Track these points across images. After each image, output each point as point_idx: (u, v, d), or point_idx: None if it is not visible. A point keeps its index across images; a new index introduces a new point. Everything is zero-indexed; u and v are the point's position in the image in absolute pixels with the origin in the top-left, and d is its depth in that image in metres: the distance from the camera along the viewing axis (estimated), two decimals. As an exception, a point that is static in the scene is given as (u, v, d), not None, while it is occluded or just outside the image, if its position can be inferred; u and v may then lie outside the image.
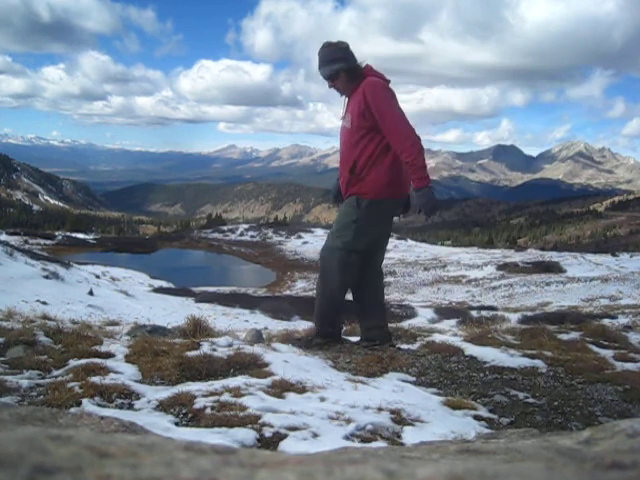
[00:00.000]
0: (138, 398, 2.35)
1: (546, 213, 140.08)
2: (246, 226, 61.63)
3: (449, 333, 5.17)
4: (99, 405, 2.21)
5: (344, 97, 3.42)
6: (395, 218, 3.72)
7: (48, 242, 38.40)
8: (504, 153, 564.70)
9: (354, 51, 3.42)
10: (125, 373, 2.64)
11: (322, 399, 2.46)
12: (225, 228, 59.84)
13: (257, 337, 4.16)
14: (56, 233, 46.38)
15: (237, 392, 2.38)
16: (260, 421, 2.06)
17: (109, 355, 2.96)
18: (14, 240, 32.10)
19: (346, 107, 3.38)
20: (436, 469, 0.50)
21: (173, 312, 12.55)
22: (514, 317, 13.06)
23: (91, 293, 14.20)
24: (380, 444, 1.97)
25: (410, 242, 51.23)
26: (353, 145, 3.24)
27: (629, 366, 3.52)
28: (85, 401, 2.20)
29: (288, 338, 4.25)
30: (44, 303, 10.72)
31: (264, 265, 41.19)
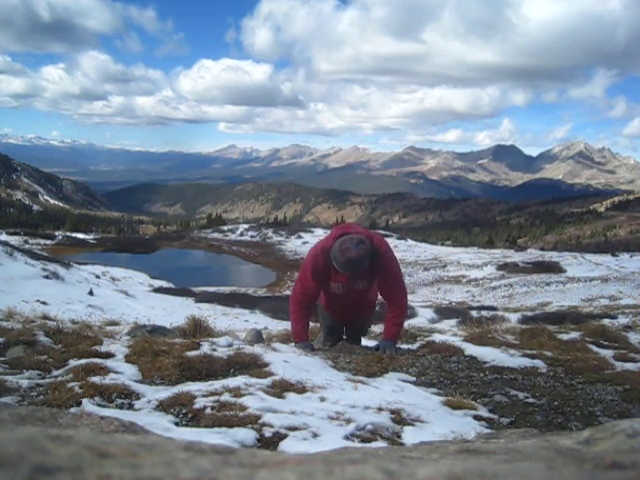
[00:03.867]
0: (138, 398, 2.35)
1: (546, 213, 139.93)
2: (246, 226, 61.61)
3: (449, 333, 5.17)
4: (99, 405, 2.21)
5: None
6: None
7: (48, 242, 38.41)
8: (504, 153, 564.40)
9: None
10: (125, 373, 2.64)
11: (322, 399, 2.46)
12: (225, 228, 59.84)
13: (257, 337, 4.16)
14: (56, 233, 46.39)
15: (237, 392, 2.38)
16: (260, 421, 2.06)
17: (109, 355, 2.96)
18: (14, 240, 32.11)
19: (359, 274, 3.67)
20: (436, 469, 0.50)
21: (173, 312, 12.56)
22: (514, 317, 13.07)
23: (91, 293, 14.20)
24: (380, 444, 1.97)
25: (410, 242, 51.22)
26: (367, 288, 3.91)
27: (629, 366, 3.52)
28: (85, 401, 2.20)
29: (288, 338, 4.25)
30: (44, 303, 10.72)
31: (264, 265, 41.18)
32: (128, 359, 2.91)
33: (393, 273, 3.74)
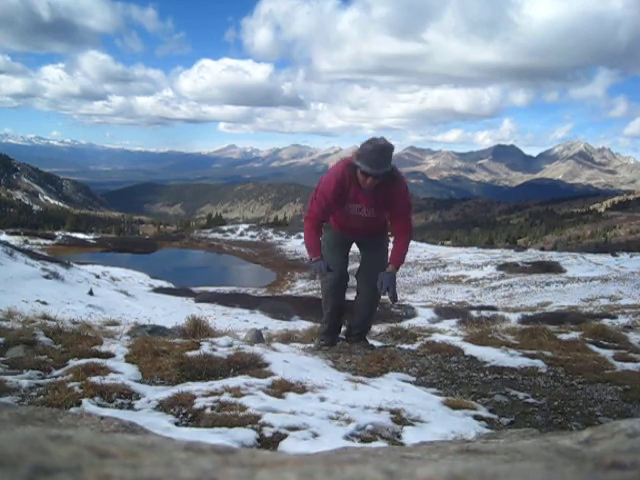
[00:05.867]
0: (138, 398, 2.35)
1: (546, 213, 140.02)
2: (246, 226, 61.56)
3: (449, 333, 5.17)
4: (99, 405, 2.21)
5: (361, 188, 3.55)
6: None
7: (48, 242, 38.39)
8: (504, 153, 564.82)
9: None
10: (125, 373, 2.64)
11: (322, 399, 2.46)
12: (225, 228, 59.80)
13: (257, 337, 4.16)
14: (56, 233, 46.39)
15: (237, 392, 2.38)
16: (260, 421, 2.06)
17: (109, 355, 2.96)
18: (14, 240, 32.10)
19: (374, 195, 3.58)
20: (436, 469, 0.50)
21: (173, 312, 12.54)
22: (514, 317, 13.05)
23: (91, 293, 14.19)
24: (380, 444, 1.97)
25: (410, 242, 51.11)
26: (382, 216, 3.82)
27: (629, 366, 3.52)
28: (85, 401, 2.20)
29: (288, 338, 4.25)
30: (44, 303, 10.71)
31: (264, 265, 41.13)
32: (128, 359, 2.91)
33: (407, 202, 3.77)
